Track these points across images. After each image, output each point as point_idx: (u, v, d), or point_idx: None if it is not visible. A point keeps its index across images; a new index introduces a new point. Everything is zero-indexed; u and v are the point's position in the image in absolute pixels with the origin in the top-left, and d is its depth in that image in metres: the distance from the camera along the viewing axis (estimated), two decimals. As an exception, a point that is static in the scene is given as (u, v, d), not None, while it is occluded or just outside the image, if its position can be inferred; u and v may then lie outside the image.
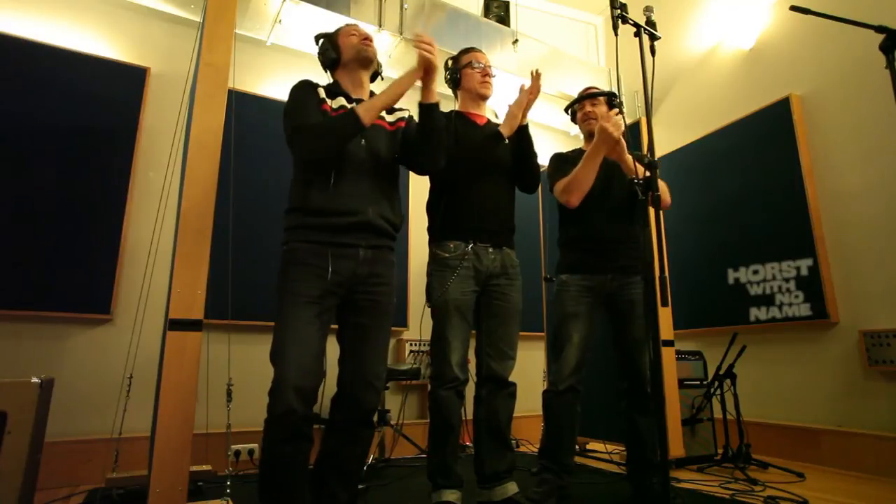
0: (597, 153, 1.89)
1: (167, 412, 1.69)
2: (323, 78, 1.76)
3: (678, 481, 2.34)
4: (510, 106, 1.92)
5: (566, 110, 2.23)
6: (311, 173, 1.54)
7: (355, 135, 1.51)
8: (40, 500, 1.92)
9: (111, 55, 2.72)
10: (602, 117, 1.91)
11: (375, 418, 2.71)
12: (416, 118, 1.78)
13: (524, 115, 1.93)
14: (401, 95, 1.54)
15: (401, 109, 1.77)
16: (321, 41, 1.74)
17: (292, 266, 1.48)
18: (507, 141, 2.00)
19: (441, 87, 2.26)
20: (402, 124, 1.73)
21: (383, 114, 1.70)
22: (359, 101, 1.65)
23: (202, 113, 1.94)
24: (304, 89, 1.59)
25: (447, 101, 2.22)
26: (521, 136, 1.93)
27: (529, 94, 1.91)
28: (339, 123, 1.49)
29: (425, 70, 1.56)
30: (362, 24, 3.03)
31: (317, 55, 1.75)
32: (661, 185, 1.95)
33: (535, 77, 1.90)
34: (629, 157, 1.88)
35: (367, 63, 1.69)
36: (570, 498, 1.99)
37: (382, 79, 1.80)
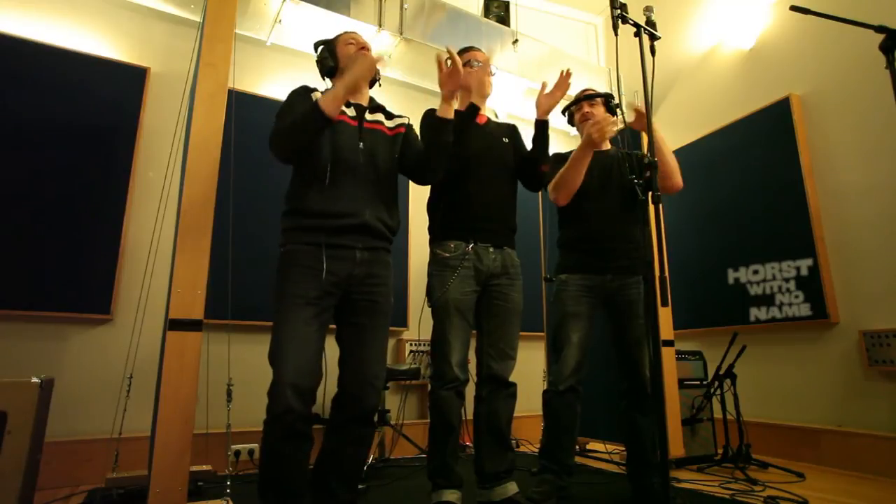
0: (583, 155, 1.93)
1: (167, 412, 1.69)
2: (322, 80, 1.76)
3: (678, 481, 2.34)
4: (543, 96, 1.95)
5: (563, 112, 2.24)
6: (310, 176, 1.54)
7: (322, 126, 1.47)
8: (40, 500, 1.92)
9: (111, 55, 2.72)
10: (590, 123, 1.95)
11: (376, 418, 2.72)
12: (415, 126, 1.79)
13: (547, 111, 1.95)
14: (357, 81, 1.52)
15: (400, 116, 1.78)
16: (320, 48, 1.75)
17: (289, 268, 1.49)
18: (505, 139, 2.01)
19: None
20: (402, 130, 1.74)
21: (383, 119, 1.71)
22: (357, 105, 1.66)
23: (202, 113, 1.94)
24: (298, 94, 1.60)
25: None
26: (541, 131, 1.95)
27: (557, 90, 1.95)
28: (302, 118, 1.47)
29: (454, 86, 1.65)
30: (362, 25, 3.04)
31: (315, 62, 1.76)
32: (672, 160, 1.96)
33: (567, 76, 1.96)
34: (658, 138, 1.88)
35: None
36: (570, 498, 2.00)
37: (380, 85, 1.81)
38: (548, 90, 1.96)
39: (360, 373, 1.52)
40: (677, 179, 1.98)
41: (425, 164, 1.67)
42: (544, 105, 1.95)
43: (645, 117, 1.61)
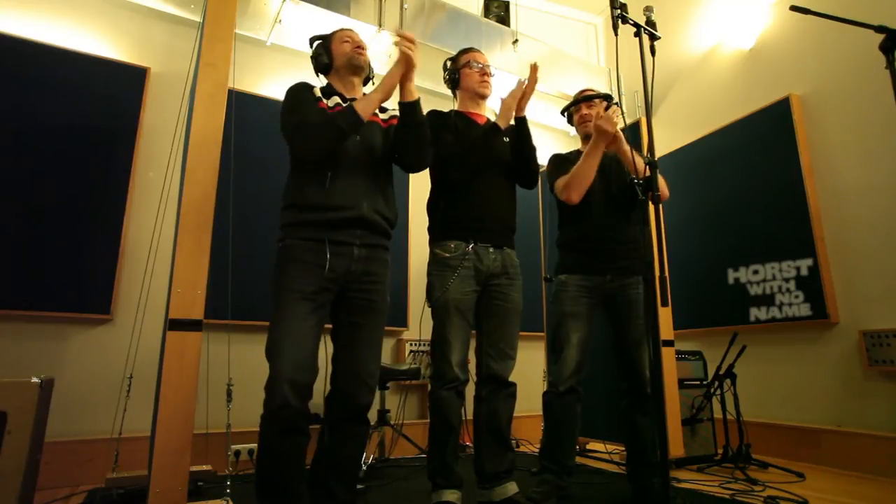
0: (596, 149, 1.90)
1: (167, 412, 1.69)
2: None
3: (678, 481, 2.34)
4: (504, 99, 1.88)
5: (563, 113, 2.24)
6: (307, 170, 1.55)
7: (356, 130, 1.52)
8: (40, 500, 1.92)
9: (111, 55, 2.72)
10: (597, 115, 1.92)
11: (375, 418, 2.72)
12: None
13: (522, 108, 1.89)
14: (393, 88, 1.58)
15: (393, 109, 1.79)
16: (315, 44, 1.75)
17: (287, 262, 1.50)
18: (506, 139, 2.01)
19: (441, 87, 2.26)
20: (395, 122, 1.75)
21: (377, 111, 1.73)
22: (352, 100, 1.66)
23: (202, 113, 1.94)
24: (301, 90, 1.61)
25: (447, 101, 2.22)
26: (521, 128, 1.91)
27: (526, 87, 1.87)
28: (340, 119, 1.50)
29: (405, 68, 1.58)
30: (362, 25, 3.04)
31: (310, 58, 1.76)
32: (660, 180, 1.95)
33: (533, 70, 1.86)
34: (628, 149, 1.88)
35: (359, 70, 1.72)
36: (570, 498, 1.99)
37: (374, 83, 1.81)
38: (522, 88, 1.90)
39: (354, 371, 1.52)
40: (663, 190, 1.97)
41: (404, 150, 1.67)
42: (508, 103, 1.87)
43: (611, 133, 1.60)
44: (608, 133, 1.85)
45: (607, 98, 2.14)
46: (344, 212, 1.52)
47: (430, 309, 1.84)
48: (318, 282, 1.47)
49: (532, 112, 2.01)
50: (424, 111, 1.79)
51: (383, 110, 1.77)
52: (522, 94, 1.87)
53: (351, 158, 1.57)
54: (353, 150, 1.59)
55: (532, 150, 1.95)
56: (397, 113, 1.77)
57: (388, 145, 1.71)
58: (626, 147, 1.89)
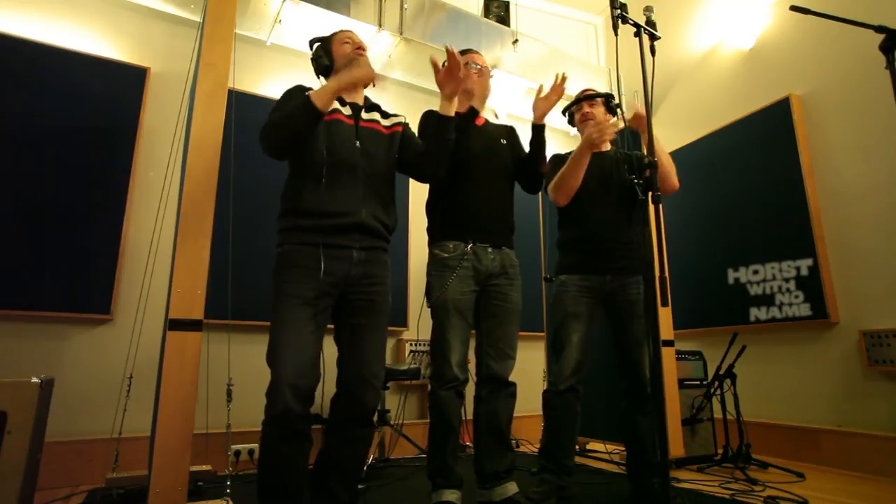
0: (581, 156, 1.93)
1: (167, 412, 1.69)
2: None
3: (678, 481, 2.34)
4: (540, 100, 1.96)
5: (564, 112, 2.24)
6: (305, 175, 1.54)
7: (314, 121, 1.46)
8: (40, 500, 1.92)
9: (111, 55, 2.72)
10: (594, 124, 1.95)
11: (375, 418, 2.72)
12: (411, 126, 1.79)
13: (542, 115, 1.96)
14: (353, 84, 1.56)
15: (396, 115, 1.78)
16: (315, 46, 1.75)
17: (286, 268, 1.49)
18: (503, 140, 2.01)
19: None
20: (399, 129, 1.74)
21: (379, 118, 1.71)
22: (353, 104, 1.66)
23: (202, 113, 1.94)
24: (292, 93, 1.60)
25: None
26: (539, 136, 1.96)
27: (553, 94, 1.95)
28: (292, 110, 1.46)
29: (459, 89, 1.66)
30: (362, 25, 3.04)
31: (310, 60, 1.76)
32: (668, 162, 1.96)
33: (562, 80, 1.95)
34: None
35: None
36: (570, 498, 2.00)
37: (374, 85, 1.80)
38: (544, 94, 1.96)
39: (359, 373, 1.52)
40: (673, 180, 1.99)
41: (428, 162, 1.68)
42: (540, 109, 1.96)
43: (644, 118, 1.61)
44: (596, 143, 1.89)
45: (608, 97, 2.14)
46: (342, 218, 1.52)
47: (429, 309, 1.84)
48: (317, 287, 1.46)
49: (531, 112, 2.02)
50: (423, 111, 1.79)
51: (386, 116, 1.74)
52: (547, 100, 1.94)
53: (350, 165, 1.56)
54: (353, 156, 1.57)
55: (543, 159, 1.99)
56: (401, 120, 1.77)
57: (391, 153, 1.69)
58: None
